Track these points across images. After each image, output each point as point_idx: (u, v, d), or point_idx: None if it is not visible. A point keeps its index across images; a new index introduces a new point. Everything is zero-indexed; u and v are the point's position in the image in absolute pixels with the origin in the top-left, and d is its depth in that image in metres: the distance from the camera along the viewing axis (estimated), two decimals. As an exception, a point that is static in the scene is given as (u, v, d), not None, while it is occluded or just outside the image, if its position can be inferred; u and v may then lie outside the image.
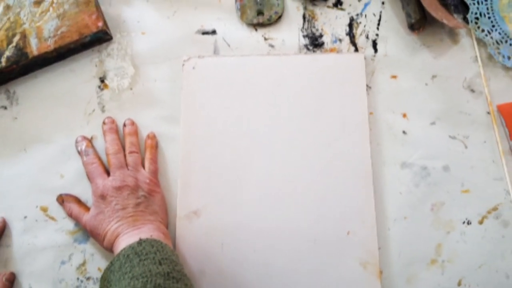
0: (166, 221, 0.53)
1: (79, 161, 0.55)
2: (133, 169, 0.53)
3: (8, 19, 0.56)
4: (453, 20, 0.56)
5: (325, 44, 0.58)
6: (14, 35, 0.55)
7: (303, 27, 0.59)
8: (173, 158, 0.55)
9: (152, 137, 0.56)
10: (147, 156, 0.55)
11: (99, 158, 0.54)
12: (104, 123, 0.56)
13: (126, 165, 0.53)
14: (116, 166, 0.52)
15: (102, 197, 0.50)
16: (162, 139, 0.56)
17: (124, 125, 0.56)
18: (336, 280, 0.50)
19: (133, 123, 0.56)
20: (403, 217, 0.52)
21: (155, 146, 0.55)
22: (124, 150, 0.54)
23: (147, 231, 0.48)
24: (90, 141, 0.55)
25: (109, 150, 0.54)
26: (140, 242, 0.46)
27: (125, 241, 0.47)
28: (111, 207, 0.50)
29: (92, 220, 0.50)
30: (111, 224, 0.49)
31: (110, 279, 0.44)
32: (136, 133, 0.55)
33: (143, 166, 0.54)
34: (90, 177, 0.53)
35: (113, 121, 0.56)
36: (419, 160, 0.54)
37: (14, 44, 0.55)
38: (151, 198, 0.52)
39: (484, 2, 0.57)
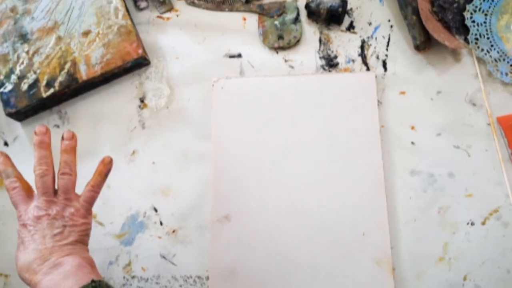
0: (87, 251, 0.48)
1: (124, 173, 0.62)
2: (62, 195, 0.46)
3: (60, 48, 0.64)
4: (454, 41, 0.62)
5: (340, 65, 0.64)
6: (65, 63, 0.63)
7: (319, 49, 0.65)
8: (205, 168, 0.61)
9: (107, 162, 0.49)
10: (90, 182, 0.49)
11: (21, 180, 0.47)
12: (35, 133, 0.47)
13: (55, 189, 0.47)
14: (40, 191, 0.46)
15: (24, 226, 0.45)
16: (194, 152, 0.63)
17: (62, 138, 0.48)
18: (353, 276, 0.56)
19: (72, 137, 0.47)
20: (413, 219, 0.58)
21: (105, 174, 0.49)
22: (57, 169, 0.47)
23: (67, 265, 0.43)
24: (7, 157, 0.48)
25: (36, 171, 0.46)
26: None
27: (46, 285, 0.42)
28: (30, 238, 0.44)
29: (16, 252, 0.45)
30: (27, 257, 0.44)
31: None
32: (74, 150, 0.48)
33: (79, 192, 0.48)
34: (13, 204, 0.46)
35: (45, 132, 0.47)
36: (427, 168, 0.59)
37: (66, 70, 0.63)
38: (73, 228, 0.46)
39: (483, 24, 0.63)
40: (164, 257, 0.59)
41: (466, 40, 0.63)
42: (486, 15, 0.63)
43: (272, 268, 0.57)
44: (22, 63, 0.63)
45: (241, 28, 0.67)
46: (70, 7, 0.64)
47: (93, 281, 0.41)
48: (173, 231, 0.60)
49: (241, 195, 0.60)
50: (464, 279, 0.56)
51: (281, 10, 0.66)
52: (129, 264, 0.59)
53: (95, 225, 0.61)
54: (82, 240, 0.47)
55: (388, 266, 0.56)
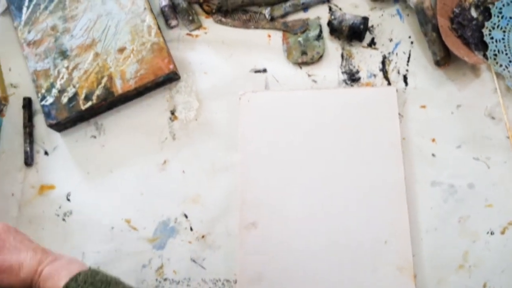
0: None
1: (156, 181, 0.65)
2: None
3: (97, 64, 0.68)
4: (473, 57, 0.64)
5: (361, 79, 0.67)
6: (102, 77, 0.67)
7: (341, 65, 0.68)
8: (232, 177, 0.64)
9: None
10: None
11: None
12: None
13: None
14: None
15: None
16: (222, 162, 0.66)
17: None
18: (376, 283, 0.58)
19: None
20: (434, 228, 0.60)
21: None
22: None
23: (62, 260, 0.48)
24: None
25: None
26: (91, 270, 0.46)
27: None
28: (9, 245, 0.48)
29: None
30: (21, 256, 0.47)
31: None
32: None
33: None
34: None
35: None
36: (447, 179, 0.61)
37: (102, 84, 0.67)
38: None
39: (501, 41, 0.65)
40: (194, 261, 0.62)
41: (485, 56, 0.65)
42: (504, 32, 0.65)
43: (297, 273, 0.60)
44: (62, 78, 0.67)
45: (266, 45, 0.70)
46: (107, 25, 0.69)
47: (80, 273, 0.46)
48: (203, 237, 0.63)
49: (267, 203, 0.63)
50: (484, 286, 0.57)
51: (305, 27, 0.70)
52: (161, 267, 0.63)
53: (129, 229, 0.64)
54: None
55: (410, 273, 0.58)
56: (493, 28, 0.65)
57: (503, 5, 0.66)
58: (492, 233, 0.59)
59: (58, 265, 0.47)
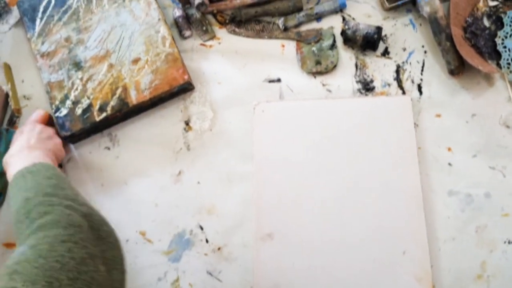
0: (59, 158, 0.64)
1: (171, 192, 0.65)
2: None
3: (112, 75, 0.68)
4: (487, 66, 0.65)
5: (376, 88, 0.67)
6: (117, 88, 0.67)
7: (355, 74, 0.68)
8: (247, 188, 0.64)
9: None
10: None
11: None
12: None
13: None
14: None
15: (21, 132, 0.64)
16: (237, 172, 0.66)
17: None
18: (395, 293, 0.58)
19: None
20: (452, 238, 0.60)
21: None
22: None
23: (37, 155, 0.58)
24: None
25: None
26: (34, 164, 0.55)
27: (17, 162, 0.57)
28: (18, 139, 0.62)
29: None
30: (12, 149, 0.61)
31: (10, 194, 0.53)
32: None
33: None
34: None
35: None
36: (464, 188, 0.61)
37: (117, 95, 0.67)
38: (53, 140, 0.63)
39: (515, 50, 0.65)
40: (210, 274, 0.62)
41: (498, 65, 0.65)
42: (517, 40, 0.66)
43: (315, 285, 0.59)
44: (77, 89, 0.67)
45: (280, 55, 0.71)
46: (121, 37, 0.69)
47: (34, 162, 0.55)
48: (218, 249, 0.63)
49: (283, 214, 0.62)
50: (503, 296, 0.57)
51: (318, 37, 0.70)
52: (177, 280, 0.62)
53: (144, 242, 0.64)
54: (55, 152, 0.63)
55: (428, 284, 0.58)
56: (506, 37, 0.66)
57: (516, 15, 0.66)
58: (509, 242, 0.59)
59: (18, 158, 0.58)
